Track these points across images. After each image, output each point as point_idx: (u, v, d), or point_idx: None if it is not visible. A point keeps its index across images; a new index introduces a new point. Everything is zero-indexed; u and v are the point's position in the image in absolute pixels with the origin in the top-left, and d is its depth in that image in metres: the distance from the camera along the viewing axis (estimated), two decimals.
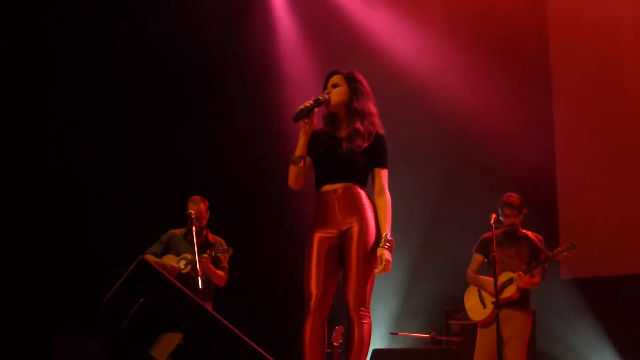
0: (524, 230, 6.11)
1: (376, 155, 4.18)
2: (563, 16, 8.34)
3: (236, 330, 3.28)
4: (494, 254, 5.66)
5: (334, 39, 8.77)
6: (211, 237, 6.54)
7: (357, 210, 4.06)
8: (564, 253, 5.83)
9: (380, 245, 4.04)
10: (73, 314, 7.42)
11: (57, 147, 8.25)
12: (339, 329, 6.63)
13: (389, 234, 4.08)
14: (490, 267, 6.02)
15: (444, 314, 7.21)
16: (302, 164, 4.08)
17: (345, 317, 4.04)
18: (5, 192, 7.73)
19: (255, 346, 3.24)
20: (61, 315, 7.63)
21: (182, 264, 6.25)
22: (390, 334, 7.81)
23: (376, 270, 4.07)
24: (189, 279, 6.19)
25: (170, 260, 6.28)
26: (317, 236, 4.07)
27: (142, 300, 3.14)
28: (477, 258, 6.17)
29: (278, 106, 8.68)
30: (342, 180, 4.10)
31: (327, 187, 4.12)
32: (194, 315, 3.25)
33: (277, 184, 8.56)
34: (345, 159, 4.10)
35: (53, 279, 7.85)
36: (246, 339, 3.25)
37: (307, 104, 4.07)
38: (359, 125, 4.13)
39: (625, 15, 7.95)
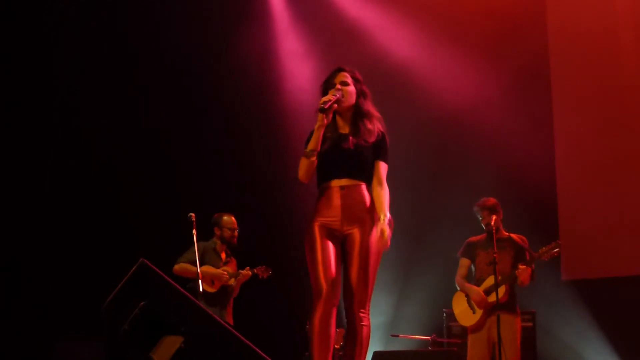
0: (507, 232, 6.13)
1: (379, 150, 4.18)
2: (562, 17, 8.34)
3: (237, 333, 3.28)
4: (494, 255, 5.68)
5: (333, 39, 8.77)
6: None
7: (361, 211, 4.06)
8: (550, 252, 5.85)
9: (382, 221, 3.98)
10: (74, 317, 7.42)
11: (58, 151, 8.25)
12: (339, 331, 6.63)
13: (388, 214, 4.04)
14: (476, 272, 6.11)
15: (445, 316, 7.20)
16: (314, 158, 4.03)
17: (345, 319, 4.04)
18: (5, 195, 7.73)
19: (255, 348, 3.24)
20: (62, 319, 7.62)
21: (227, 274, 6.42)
22: (391, 336, 7.80)
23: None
24: (227, 291, 6.41)
25: (211, 271, 6.38)
26: (320, 229, 4.05)
27: (143, 303, 3.14)
28: (464, 262, 6.21)
29: (279, 109, 8.71)
30: (349, 177, 4.09)
31: (334, 183, 4.09)
32: (194, 318, 3.24)
33: (278, 185, 8.62)
34: (352, 154, 4.09)
35: (54, 283, 7.85)
36: (247, 341, 3.25)
37: (332, 98, 4.03)
38: (367, 124, 4.13)
39: (624, 16, 7.95)
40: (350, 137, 4.11)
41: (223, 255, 6.65)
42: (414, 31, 8.62)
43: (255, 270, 6.59)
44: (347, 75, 4.20)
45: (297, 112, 8.51)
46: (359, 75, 4.25)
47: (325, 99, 4.03)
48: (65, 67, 8.40)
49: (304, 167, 4.06)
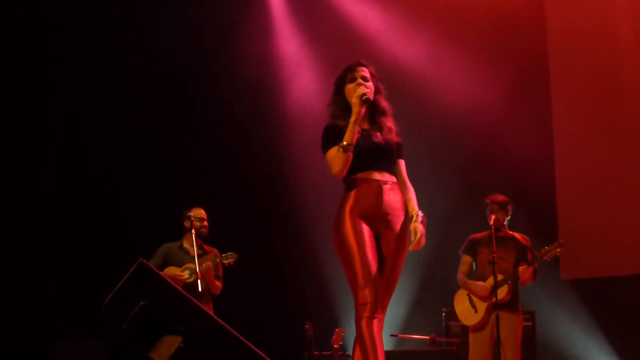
0: (511, 232, 6.12)
1: (401, 150, 4.16)
2: (562, 17, 8.34)
3: (235, 332, 3.29)
4: (493, 254, 5.65)
5: (333, 39, 8.78)
6: (206, 247, 6.60)
7: (398, 210, 3.99)
8: (552, 252, 5.81)
9: (415, 220, 3.93)
10: (74, 317, 7.43)
11: (58, 151, 8.26)
12: (339, 331, 6.63)
13: (420, 212, 3.98)
14: (477, 269, 6.08)
15: (444, 316, 7.20)
16: (351, 152, 3.89)
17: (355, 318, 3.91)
18: (5, 195, 7.74)
19: (254, 348, 3.24)
20: (62, 319, 7.63)
21: (186, 273, 6.32)
22: (391, 335, 7.80)
23: (409, 247, 3.96)
24: (192, 288, 6.24)
25: (173, 271, 6.32)
26: (356, 222, 3.89)
27: (141, 302, 3.15)
28: (466, 259, 6.16)
29: (280, 109, 8.72)
30: (387, 171, 4.01)
31: (375, 175, 3.97)
32: (193, 317, 3.25)
33: (278, 185, 8.63)
34: (386, 149, 4.03)
35: (54, 283, 7.86)
36: (245, 340, 3.26)
37: (367, 91, 3.99)
38: (387, 121, 4.12)
39: (623, 16, 7.96)
40: (378, 133, 4.06)
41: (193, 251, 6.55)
42: (414, 31, 8.62)
43: (217, 260, 6.43)
44: (366, 70, 4.14)
45: (297, 112, 8.52)
46: (374, 71, 4.19)
47: (363, 90, 3.96)
48: (65, 67, 8.41)
49: (342, 162, 3.88)
